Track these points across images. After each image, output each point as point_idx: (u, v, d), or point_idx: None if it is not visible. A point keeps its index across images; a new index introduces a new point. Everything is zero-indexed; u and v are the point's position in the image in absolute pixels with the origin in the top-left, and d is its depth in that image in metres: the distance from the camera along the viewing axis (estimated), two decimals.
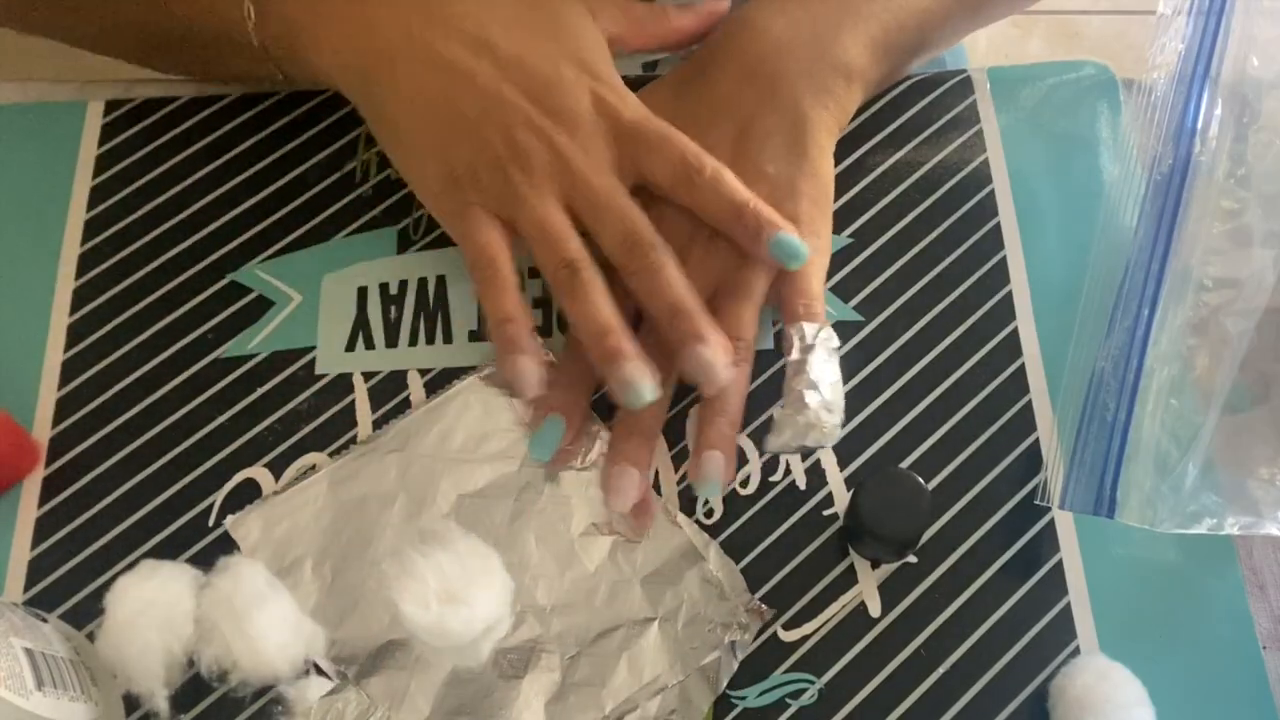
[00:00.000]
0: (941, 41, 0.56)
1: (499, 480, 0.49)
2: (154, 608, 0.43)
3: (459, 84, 0.47)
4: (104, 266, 0.53)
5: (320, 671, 0.45)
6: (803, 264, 0.47)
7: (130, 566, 0.47)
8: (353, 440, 0.50)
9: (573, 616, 0.46)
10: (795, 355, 0.47)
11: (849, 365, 0.51)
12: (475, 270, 0.47)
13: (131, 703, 0.45)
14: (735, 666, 0.45)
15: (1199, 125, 0.52)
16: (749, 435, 0.50)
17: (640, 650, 0.45)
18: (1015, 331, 0.52)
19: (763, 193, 0.48)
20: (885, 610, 0.47)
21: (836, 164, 0.56)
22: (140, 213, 0.54)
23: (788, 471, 0.50)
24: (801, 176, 0.50)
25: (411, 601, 0.41)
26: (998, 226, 0.55)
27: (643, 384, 0.45)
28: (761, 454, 0.49)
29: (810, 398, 0.46)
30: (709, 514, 0.49)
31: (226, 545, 0.48)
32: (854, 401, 0.51)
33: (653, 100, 0.51)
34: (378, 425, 0.50)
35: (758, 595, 0.47)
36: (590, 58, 0.49)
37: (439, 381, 0.51)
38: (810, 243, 0.48)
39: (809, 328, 0.47)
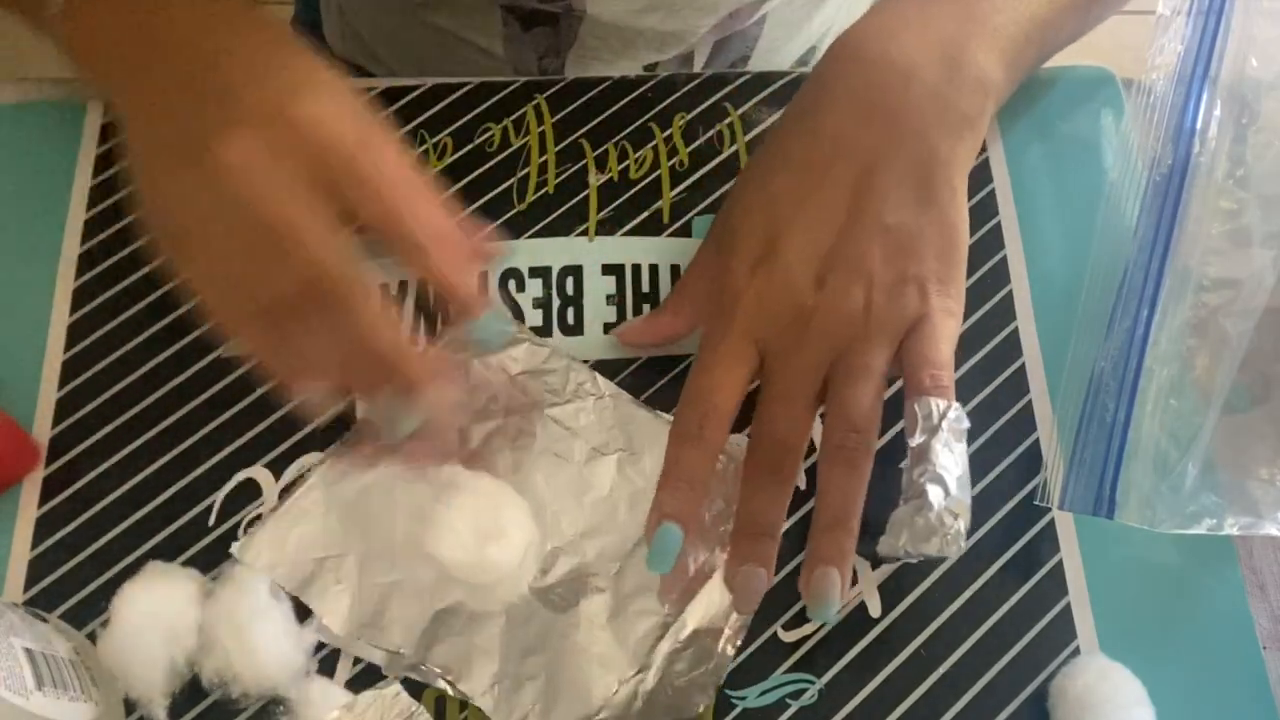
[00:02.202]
0: (1054, 50, 0.52)
1: (491, 436, 0.49)
2: (159, 618, 0.44)
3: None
4: (104, 266, 0.53)
5: (322, 672, 0.45)
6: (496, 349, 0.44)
7: (130, 566, 0.47)
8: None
9: (603, 537, 0.47)
10: (918, 439, 0.42)
11: None
12: None
13: (129, 706, 0.45)
14: None
15: (1198, 126, 0.52)
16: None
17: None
18: (1015, 331, 0.52)
19: (880, 251, 0.43)
20: (885, 610, 0.47)
21: None
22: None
23: None
24: (929, 227, 0.44)
25: (450, 548, 0.42)
26: (998, 226, 0.55)
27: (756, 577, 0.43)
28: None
29: (934, 494, 0.40)
30: None
31: (226, 545, 0.48)
32: None
33: (766, 148, 0.47)
34: None
35: None
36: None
37: None
38: (936, 303, 0.44)
39: (936, 404, 0.42)
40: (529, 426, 0.49)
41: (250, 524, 0.48)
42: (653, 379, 0.51)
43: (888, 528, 0.42)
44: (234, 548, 0.47)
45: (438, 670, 0.45)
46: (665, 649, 0.45)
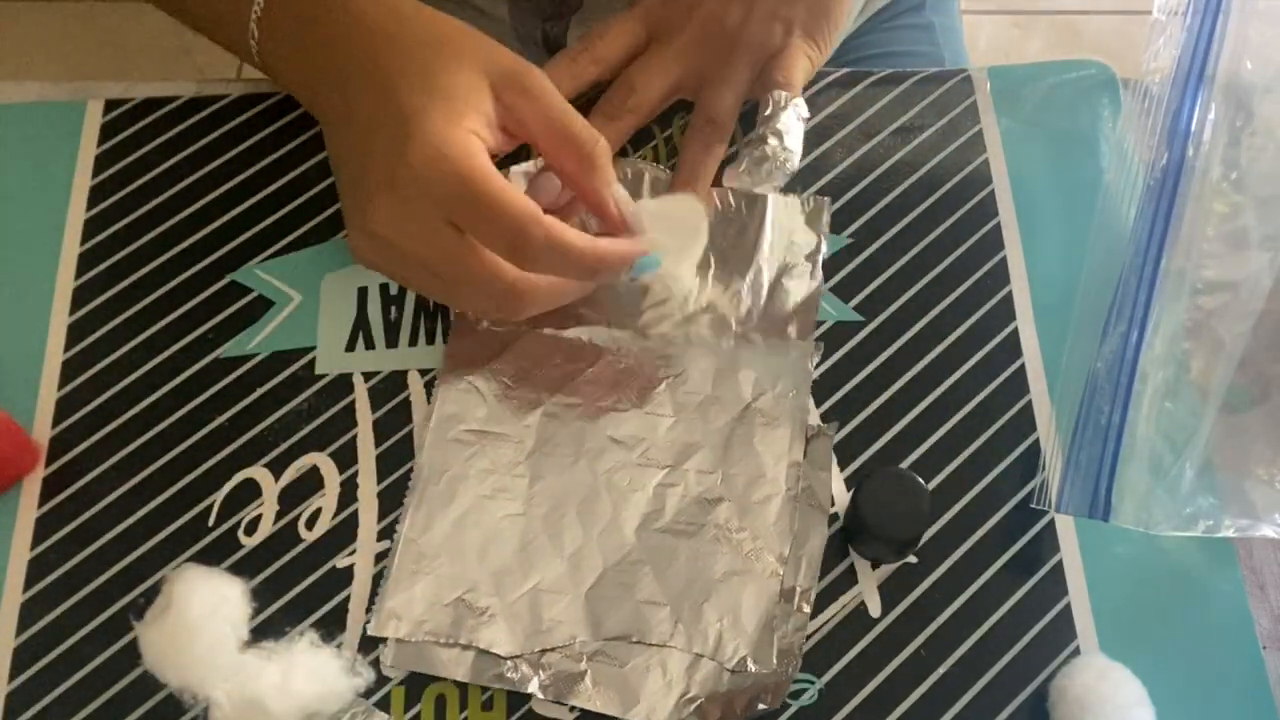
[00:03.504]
0: None
1: (542, 426, 0.50)
2: (224, 603, 0.45)
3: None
4: (104, 266, 0.53)
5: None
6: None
7: (130, 566, 0.47)
8: (353, 439, 0.50)
9: (692, 456, 0.49)
10: (767, 111, 0.52)
11: (849, 365, 0.52)
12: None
13: (177, 707, 0.45)
14: (830, 447, 0.49)
15: (1193, 128, 0.52)
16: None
17: (761, 430, 0.50)
18: (1015, 331, 0.52)
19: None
20: (885, 610, 0.47)
21: (835, 164, 0.56)
22: (140, 212, 0.54)
23: None
24: None
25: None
26: (998, 226, 0.55)
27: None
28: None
29: (771, 140, 0.51)
30: None
31: (227, 545, 0.48)
32: (854, 401, 0.51)
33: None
34: (378, 425, 0.50)
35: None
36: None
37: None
38: (798, 42, 0.54)
39: (784, 94, 0.53)
40: (569, 398, 0.51)
41: (252, 525, 0.48)
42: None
43: (733, 159, 0.52)
44: (368, 628, 0.47)
45: (620, 635, 0.46)
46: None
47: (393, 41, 0.48)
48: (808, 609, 0.46)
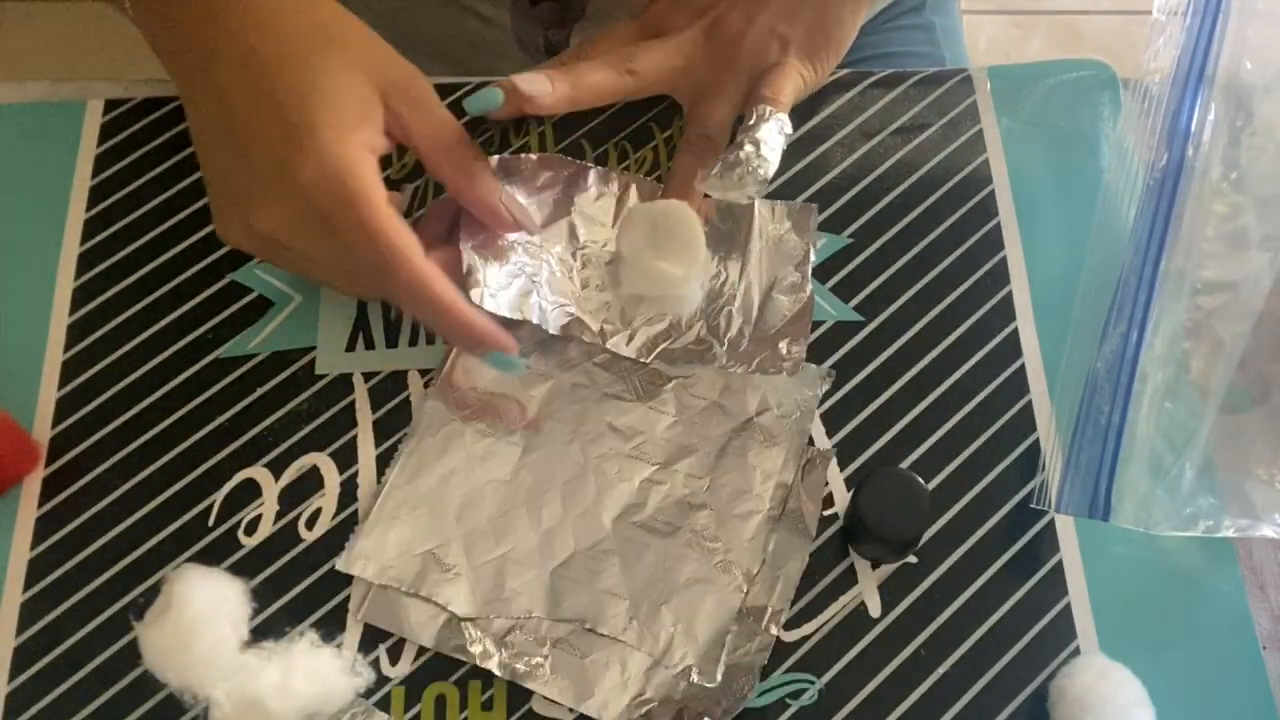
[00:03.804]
0: None
1: (549, 397, 0.51)
2: (225, 603, 0.45)
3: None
4: (104, 266, 0.53)
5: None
6: None
7: (130, 566, 0.47)
8: (353, 439, 0.50)
9: (684, 459, 0.49)
10: (750, 121, 0.51)
11: (849, 365, 0.51)
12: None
13: (177, 707, 0.45)
14: (824, 479, 0.49)
15: (1193, 128, 0.52)
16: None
17: (756, 445, 0.49)
18: (1015, 331, 0.52)
19: (773, 8, 0.53)
20: (885, 610, 0.47)
21: (836, 164, 0.56)
22: (140, 212, 0.54)
23: None
24: (811, 9, 0.54)
25: (628, 245, 0.51)
26: (998, 226, 0.55)
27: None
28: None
29: (748, 148, 0.50)
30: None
31: (227, 545, 0.48)
32: (854, 402, 0.51)
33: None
34: (378, 425, 0.50)
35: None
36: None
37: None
38: (794, 60, 0.54)
39: (768, 108, 0.52)
40: (579, 378, 0.51)
41: (252, 525, 0.48)
42: None
43: (711, 168, 0.50)
44: (337, 564, 0.47)
45: (575, 617, 0.46)
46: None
47: (270, 22, 0.46)
48: (775, 631, 0.46)
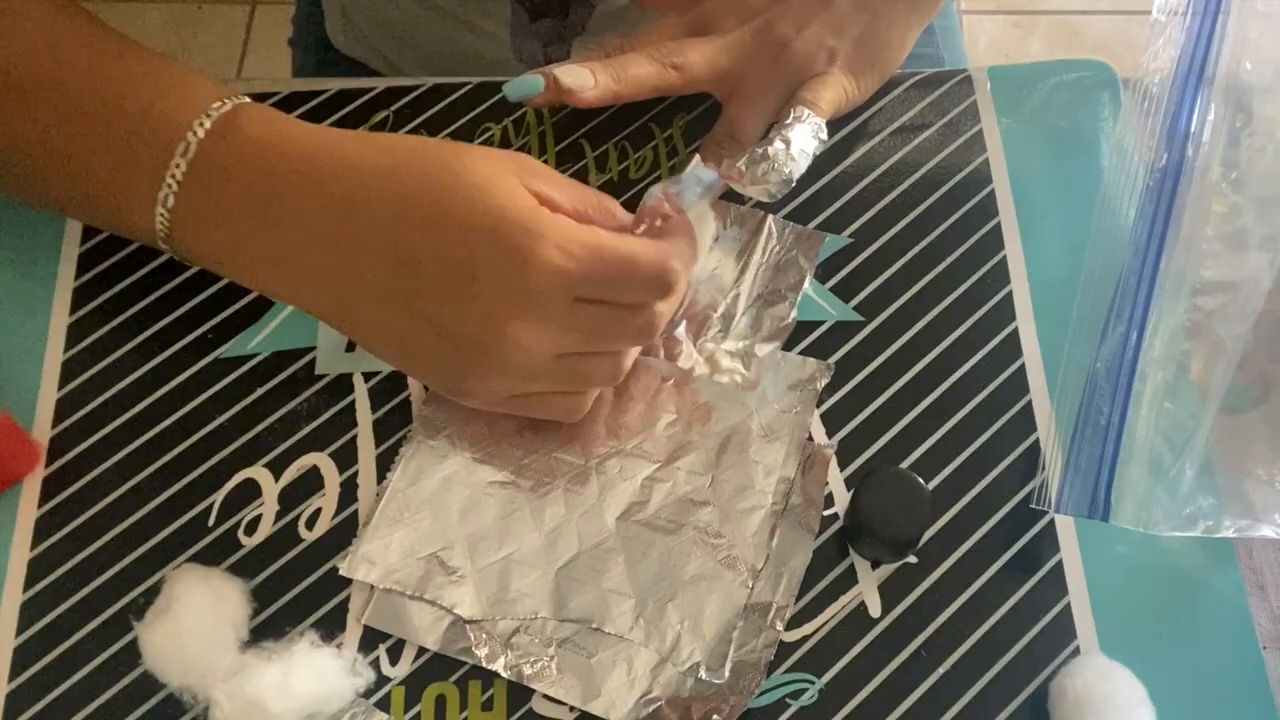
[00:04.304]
0: None
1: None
2: (225, 603, 0.45)
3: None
4: (104, 266, 0.53)
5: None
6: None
7: (130, 566, 0.47)
8: (353, 439, 0.50)
9: (685, 456, 0.49)
10: (785, 120, 0.51)
11: (849, 365, 0.52)
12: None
13: (177, 707, 0.45)
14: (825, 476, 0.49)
15: (1192, 129, 0.52)
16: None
17: (757, 440, 0.50)
18: (1015, 331, 0.53)
19: (822, 18, 0.53)
20: (885, 610, 0.47)
21: (835, 164, 0.56)
22: None
23: None
24: (858, 25, 0.53)
25: None
26: (998, 226, 0.55)
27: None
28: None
29: (777, 144, 0.50)
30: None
31: (227, 545, 0.48)
32: (854, 402, 0.51)
33: None
34: (378, 425, 0.50)
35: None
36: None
37: None
38: (839, 72, 0.53)
39: (806, 110, 0.52)
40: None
41: (252, 525, 0.48)
42: None
43: (735, 157, 0.50)
44: (340, 568, 0.47)
45: (580, 617, 0.46)
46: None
47: (394, 177, 0.44)
48: (781, 627, 0.46)
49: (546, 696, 0.45)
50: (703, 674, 0.45)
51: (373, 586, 0.47)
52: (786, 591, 0.47)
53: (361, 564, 0.47)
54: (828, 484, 0.49)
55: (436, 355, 0.45)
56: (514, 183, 0.44)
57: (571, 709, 0.45)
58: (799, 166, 0.50)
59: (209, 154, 0.45)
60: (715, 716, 0.44)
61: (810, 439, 0.50)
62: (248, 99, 0.48)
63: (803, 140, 0.51)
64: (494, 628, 0.46)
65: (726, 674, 0.45)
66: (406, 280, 0.44)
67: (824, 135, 0.52)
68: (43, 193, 0.50)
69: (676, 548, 0.48)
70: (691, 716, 0.44)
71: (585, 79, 0.50)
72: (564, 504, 0.49)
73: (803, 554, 0.48)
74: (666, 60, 0.52)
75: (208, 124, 0.46)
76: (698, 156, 0.50)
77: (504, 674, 0.45)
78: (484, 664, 0.46)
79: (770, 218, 0.54)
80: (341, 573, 0.47)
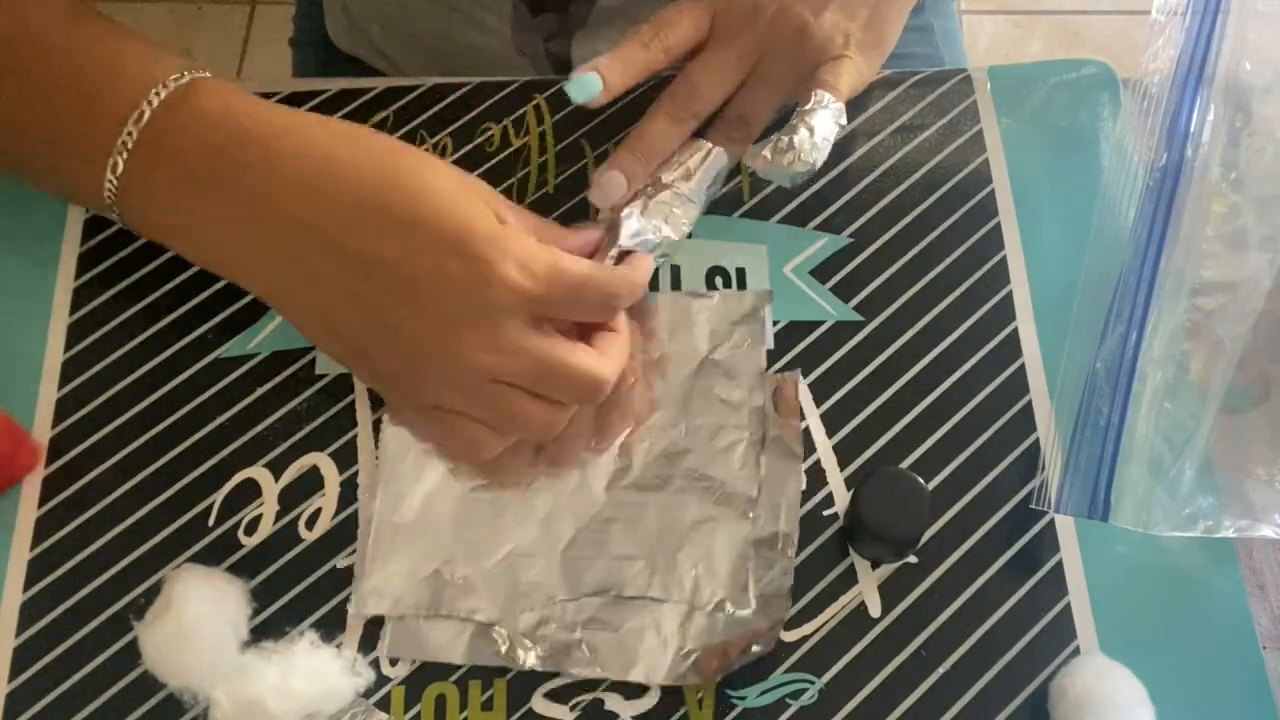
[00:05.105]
0: None
1: None
2: (225, 603, 0.45)
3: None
4: (104, 266, 0.53)
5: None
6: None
7: (130, 566, 0.47)
8: (353, 439, 0.50)
9: (658, 413, 0.50)
10: (807, 105, 0.51)
11: (849, 365, 0.52)
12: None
13: (177, 707, 0.45)
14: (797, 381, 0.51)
15: (1192, 129, 0.52)
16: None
17: (720, 385, 0.50)
18: (1015, 332, 0.53)
19: (836, 3, 0.52)
20: (885, 610, 0.47)
21: (835, 164, 0.56)
22: None
23: None
24: (865, 7, 0.53)
25: None
26: (998, 226, 0.55)
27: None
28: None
29: (801, 133, 0.50)
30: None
31: (227, 545, 0.48)
32: (854, 401, 0.51)
33: None
34: (377, 426, 0.50)
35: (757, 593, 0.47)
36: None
37: None
38: (855, 54, 0.53)
39: (828, 95, 0.52)
40: None
41: (252, 525, 0.48)
42: None
43: (758, 141, 0.51)
44: (349, 608, 0.47)
45: (597, 590, 0.47)
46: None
47: (359, 168, 0.45)
48: (791, 553, 0.47)
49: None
50: (729, 609, 0.46)
51: (385, 618, 0.47)
52: (788, 518, 0.48)
53: (369, 598, 0.47)
54: (801, 410, 0.50)
55: (375, 352, 0.46)
56: (477, 200, 0.45)
57: (572, 708, 0.45)
58: (822, 154, 0.51)
59: (161, 124, 0.46)
60: (755, 647, 0.45)
61: (768, 370, 0.51)
62: (208, 75, 0.48)
63: (825, 127, 0.51)
64: (515, 625, 0.46)
65: (753, 603, 0.46)
66: (360, 274, 0.44)
67: (844, 120, 0.52)
68: None
69: (670, 500, 0.48)
70: (731, 655, 0.45)
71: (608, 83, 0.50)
72: (550, 490, 0.49)
73: (795, 480, 0.49)
74: (685, 113, 0.52)
75: (163, 94, 0.46)
76: (708, 145, 0.50)
77: (540, 668, 0.45)
78: (520, 665, 0.45)
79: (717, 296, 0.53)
80: (351, 612, 0.47)
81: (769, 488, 0.48)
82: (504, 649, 0.46)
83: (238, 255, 0.47)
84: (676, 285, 0.53)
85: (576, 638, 0.46)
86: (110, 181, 0.46)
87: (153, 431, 0.50)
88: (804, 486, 0.49)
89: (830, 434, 0.50)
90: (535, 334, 0.45)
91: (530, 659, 0.46)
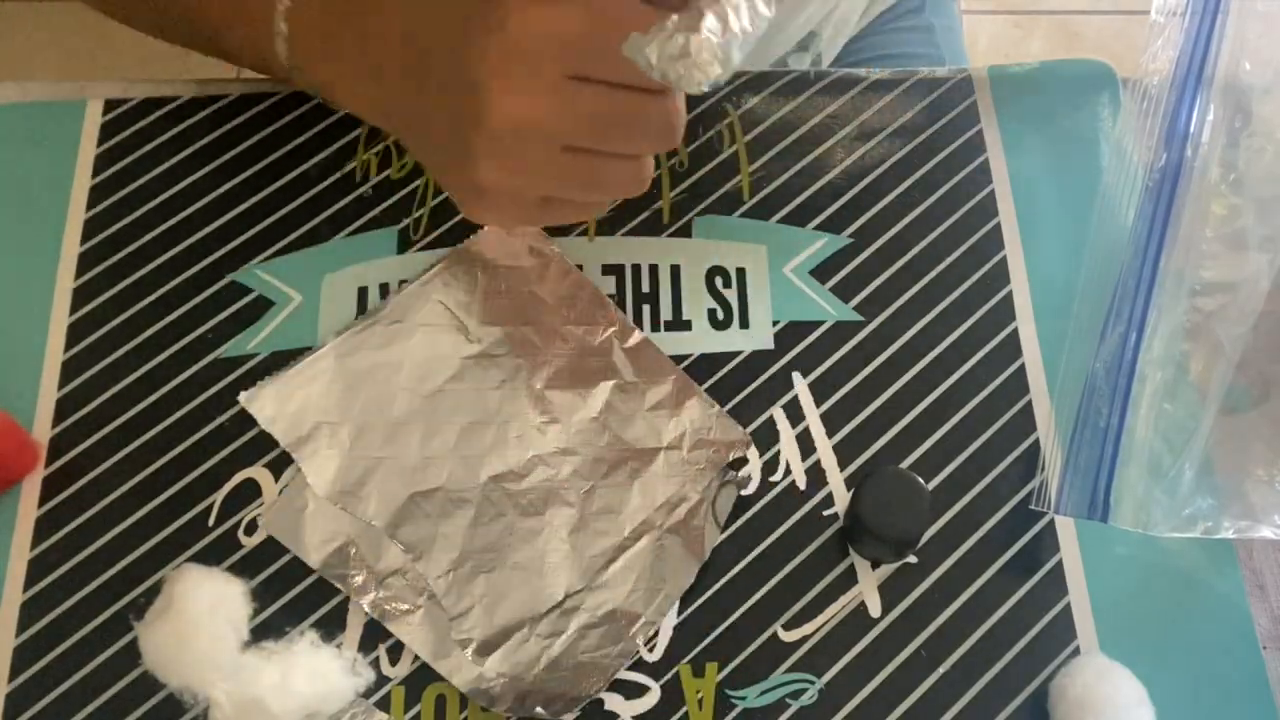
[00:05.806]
0: None
1: (498, 341, 0.51)
2: (225, 602, 0.45)
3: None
4: (104, 266, 0.53)
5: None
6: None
7: (130, 566, 0.47)
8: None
9: (579, 456, 0.49)
10: None
11: (849, 365, 0.52)
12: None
13: (177, 707, 0.45)
14: (734, 498, 0.49)
15: (1192, 129, 0.52)
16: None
17: (651, 477, 0.49)
18: (1015, 332, 0.53)
19: None
20: (885, 610, 0.47)
21: (836, 164, 0.56)
22: (140, 212, 0.54)
23: (788, 472, 0.50)
24: None
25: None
26: (998, 226, 0.55)
27: None
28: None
29: (708, 22, 0.36)
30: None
31: (227, 545, 0.48)
32: (854, 401, 0.51)
33: None
34: None
35: (759, 593, 0.47)
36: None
37: None
38: None
39: None
40: (534, 339, 0.51)
41: (251, 524, 0.48)
42: None
43: (648, 30, 0.36)
44: (242, 396, 0.49)
45: (402, 546, 0.47)
46: (581, 620, 0.46)
47: None
48: (642, 642, 0.46)
49: (406, 645, 0.45)
50: (468, 653, 0.45)
51: (278, 493, 0.48)
52: (659, 609, 0.47)
53: (258, 399, 0.49)
54: (722, 518, 0.49)
55: (440, 138, 0.42)
56: None
57: (575, 707, 0.45)
58: (733, 60, 0.37)
59: None
60: (539, 709, 0.45)
61: (727, 471, 0.50)
62: None
63: (746, 14, 0.37)
64: (375, 563, 0.47)
65: (494, 666, 0.45)
66: (420, 61, 0.42)
67: (772, 11, 0.38)
68: None
69: (521, 530, 0.48)
70: (526, 702, 0.45)
71: None
72: (455, 439, 0.49)
73: (686, 576, 0.47)
74: None
75: None
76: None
77: (367, 610, 0.46)
78: (354, 595, 0.46)
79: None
80: (239, 400, 0.48)
81: (654, 574, 0.47)
82: (354, 578, 0.47)
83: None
84: (677, 285, 0.53)
85: (418, 604, 0.46)
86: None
87: (153, 431, 0.50)
88: (692, 583, 0.48)
89: (830, 434, 0.50)
90: (584, 85, 0.39)
91: (367, 599, 0.46)
